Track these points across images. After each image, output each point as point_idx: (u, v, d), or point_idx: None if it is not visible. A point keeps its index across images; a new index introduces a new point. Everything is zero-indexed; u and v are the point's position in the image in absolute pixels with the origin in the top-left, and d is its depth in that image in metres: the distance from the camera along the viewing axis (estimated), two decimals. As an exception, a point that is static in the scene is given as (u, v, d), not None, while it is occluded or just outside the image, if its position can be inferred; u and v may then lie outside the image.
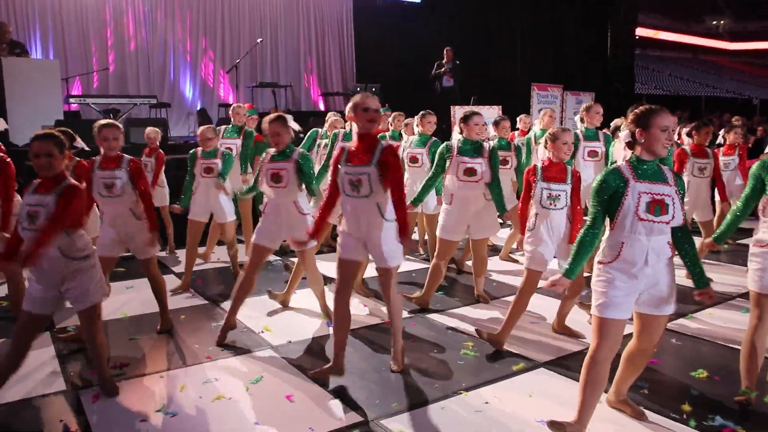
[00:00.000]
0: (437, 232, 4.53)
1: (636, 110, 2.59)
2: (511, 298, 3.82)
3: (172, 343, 3.96)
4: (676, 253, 2.64)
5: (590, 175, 5.10)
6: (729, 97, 24.46)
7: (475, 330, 3.96)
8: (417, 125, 5.33)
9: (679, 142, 6.47)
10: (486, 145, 4.42)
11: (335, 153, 3.33)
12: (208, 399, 3.14)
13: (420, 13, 13.35)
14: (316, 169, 5.09)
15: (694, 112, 16.78)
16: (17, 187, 4.29)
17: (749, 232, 3.16)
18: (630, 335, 2.76)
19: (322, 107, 13.07)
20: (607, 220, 2.60)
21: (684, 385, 3.27)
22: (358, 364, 3.57)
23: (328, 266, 4.92)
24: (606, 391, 2.92)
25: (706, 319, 4.33)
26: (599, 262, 2.59)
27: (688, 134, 5.60)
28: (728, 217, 3.13)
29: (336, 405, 3.07)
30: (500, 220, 4.58)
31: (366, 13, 13.42)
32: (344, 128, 5.58)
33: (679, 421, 2.86)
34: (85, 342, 3.23)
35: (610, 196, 2.53)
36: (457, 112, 9.83)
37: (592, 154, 5.30)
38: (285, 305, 4.59)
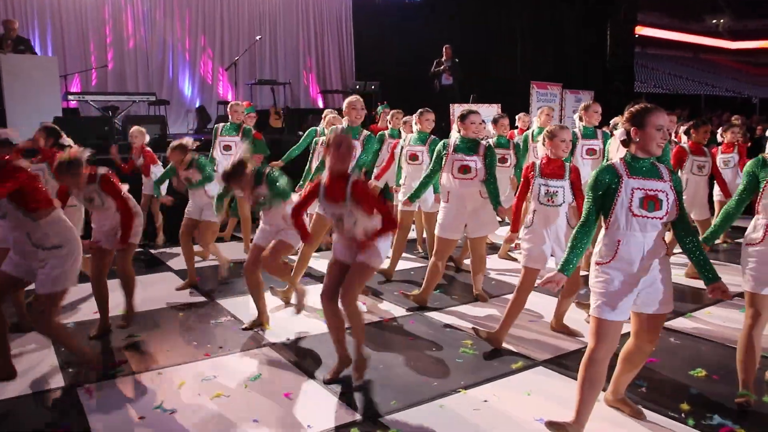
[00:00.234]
0: (435, 231, 4.53)
1: (631, 109, 2.59)
2: (510, 297, 3.82)
3: (170, 340, 3.96)
4: (674, 252, 2.64)
5: (589, 173, 5.10)
6: (728, 95, 24.47)
7: (473, 329, 3.96)
8: (415, 123, 5.32)
9: (676, 140, 6.47)
10: (483, 142, 4.42)
11: (311, 185, 3.35)
12: (207, 396, 3.14)
13: (420, 12, 13.32)
14: (314, 165, 5.07)
15: (694, 111, 16.77)
16: None
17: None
18: (628, 334, 2.76)
19: (321, 105, 13.04)
20: (603, 220, 2.61)
21: (682, 384, 3.27)
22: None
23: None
24: (604, 390, 2.92)
25: (704, 318, 4.33)
26: (597, 263, 2.59)
27: (686, 132, 5.61)
28: (720, 215, 3.14)
29: (334, 402, 3.07)
30: (498, 219, 4.57)
31: (365, 11, 13.40)
32: (341, 125, 5.56)
33: (678, 420, 2.87)
34: (36, 328, 3.34)
35: (604, 192, 2.54)
36: (456, 110, 9.82)
37: (591, 152, 5.30)
38: (287, 302, 4.59)
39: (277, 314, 4.45)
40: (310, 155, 5.39)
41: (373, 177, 6.30)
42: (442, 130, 9.05)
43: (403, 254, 5.60)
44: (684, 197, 5.32)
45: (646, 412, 2.90)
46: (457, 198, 4.37)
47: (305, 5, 13.14)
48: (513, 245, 6.21)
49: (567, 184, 3.71)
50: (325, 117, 6.13)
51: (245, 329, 4.10)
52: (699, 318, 4.33)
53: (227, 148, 6.00)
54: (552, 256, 3.77)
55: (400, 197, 5.47)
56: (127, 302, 4.12)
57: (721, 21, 28.99)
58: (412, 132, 5.62)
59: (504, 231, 6.34)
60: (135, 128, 6.46)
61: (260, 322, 4.15)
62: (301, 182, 5.12)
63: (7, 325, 3.34)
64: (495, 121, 5.82)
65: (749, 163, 3.00)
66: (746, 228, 3.05)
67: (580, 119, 5.44)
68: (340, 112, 5.84)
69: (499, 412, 2.97)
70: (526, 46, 13.24)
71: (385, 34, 13.36)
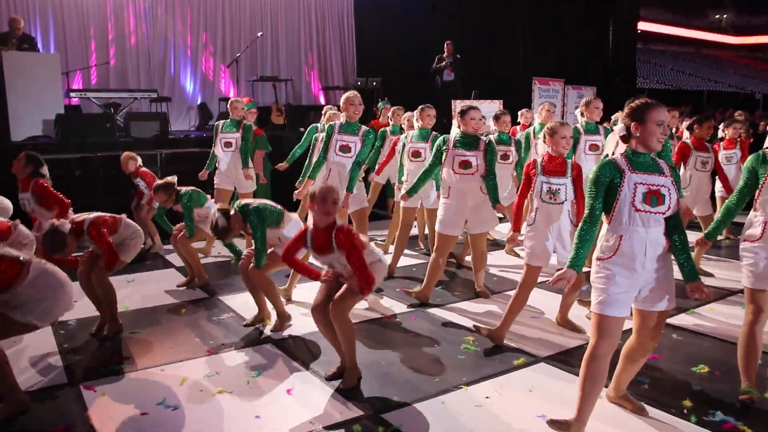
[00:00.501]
0: (435, 227, 4.53)
1: (632, 104, 2.58)
2: (512, 293, 3.82)
3: (172, 336, 3.96)
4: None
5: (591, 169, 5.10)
6: (731, 91, 24.38)
7: (474, 326, 3.96)
8: (417, 119, 5.31)
9: (679, 135, 6.45)
10: (483, 138, 4.41)
11: (297, 233, 3.31)
12: (209, 392, 3.14)
13: (421, 8, 13.28)
14: (314, 160, 5.05)
15: (697, 107, 16.73)
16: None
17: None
18: (629, 330, 2.76)
19: (322, 101, 13.02)
20: (605, 216, 2.60)
21: (685, 380, 3.27)
22: (359, 358, 3.56)
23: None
24: (606, 387, 2.92)
25: (706, 315, 4.32)
26: (598, 259, 2.58)
27: (689, 128, 5.59)
28: (721, 211, 3.13)
29: (336, 398, 3.08)
30: (500, 215, 4.56)
31: (367, 7, 13.36)
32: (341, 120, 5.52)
33: (680, 417, 2.86)
34: None
35: (606, 187, 2.54)
36: (458, 106, 9.79)
37: (593, 147, 5.29)
38: (288, 299, 4.59)
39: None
40: (310, 150, 5.39)
41: (374, 172, 6.30)
42: (443, 126, 9.03)
43: (405, 251, 5.59)
44: (687, 193, 5.34)
45: (648, 408, 2.90)
46: (458, 193, 4.37)
47: (307, 2, 13.11)
48: (517, 242, 6.22)
49: (569, 181, 3.69)
50: (325, 113, 6.12)
51: (246, 325, 4.11)
52: (701, 314, 4.33)
53: (228, 144, 5.98)
54: (554, 253, 3.76)
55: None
56: (111, 312, 4.00)
57: (724, 16, 28.87)
58: (412, 128, 5.61)
59: (505, 228, 6.36)
60: (125, 155, 6.23)
61: (261, 318, 4.15)
62: (301, 178, 5.11)
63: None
64: (497, 118, 5.81)
65: (749, 158, 2.99)
66: None
67: (582, 115, 5.43)
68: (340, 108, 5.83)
69: (500, 408, 2.97)
70: (528, 44, 13.20)
71: (387, 30, 13.33)
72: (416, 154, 5.22)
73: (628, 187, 2.48)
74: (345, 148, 4.74)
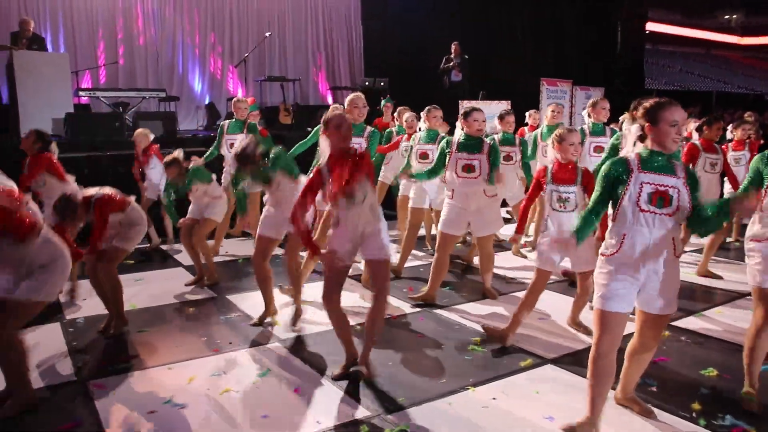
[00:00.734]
0: (438, 225, 4.53)
1: (645, 104, 2.56)
2: (519, 294, 3.81)
3: (180, 335, 3.98)
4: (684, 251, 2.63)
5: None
6: (741, 92, 24.23)
7: (483, 326, 3.95)
8: (423, 120, 5.31)
9: (687, 137, 6.41)
10: (487, 140, 4.39)
11: (311, 177, 3.28)
12: (216, 391, 3.15)
13: (429, 8, 13.28)
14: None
15: (706, 108, 16.62)
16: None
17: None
18: (633, 333, 2.75)
19: (330, 101, 13.05)
20: (611, 213, 2.59)
21: (693, 383, 3.25)
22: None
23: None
24: (613, 389, 2.91)
25: (715, 317, 4.30)
26: (602, 254, 2.59)
27: (698, 129, 5.56)
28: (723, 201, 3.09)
29: (343, 399, 3.08)
30: (507, 216, 4.56)
31: (374, 7, 13.38)
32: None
33: (689, 420, 2.85)
34: None
35: (613, 183, 2.53)
36: (466, 106, 9.78)
37: (598, 149, 5.28)
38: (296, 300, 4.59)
39: (286, 310, 4.46)
40: (318, 151, 5.38)
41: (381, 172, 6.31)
42: (451, 125, 9.01)
43: (413, 251, 5.60)
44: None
45: (656, 411, 2.88)
46: (461, 196, 4.36)
47: (314, 2, 13.14)
48: (523, 243, 6.21)
49: (579, 188, 3.68)
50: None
51: (254, 325, 4.12)
52: (710, 317, 4.30)
53: (234, 146, 5.99)
54: (566, 258, 3.76)
55: (411, 194, 5.47)
56: (117, 309, 4.01)
57: (734, 17, 28.67)
58: (411, 128, 5.61)
59: (511, 229, 6.31)
60: (139, 131, 6.40)
61: (266, 315, 4.14)
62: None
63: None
64: (501, 118, 5.79)
65: (755, 158, 2.96)
66: None
67: (589, 116, 5.41)
68: None
69: (507, 410, 2.96)
70: (535, 44, 13.16)
71: (394, 30, 13.33)
72: (424, 155, 5.22)
73: (633, 185, 2.47)
74: None
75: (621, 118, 5.83)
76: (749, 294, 4.70)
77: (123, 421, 2.87)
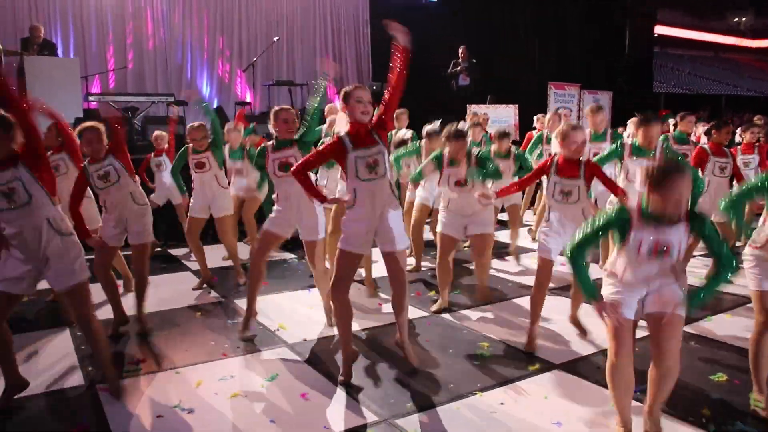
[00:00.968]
0: (437, 228, 4.48)
1: (651, 171, 2.39)
2: (523, 300, 3.80)
3: (188, 339, 3.99)
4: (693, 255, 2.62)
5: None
6: (750, 95, 24.06)
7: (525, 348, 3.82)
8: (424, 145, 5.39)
9: (696, 140, 6.38)
10: (473, 150, 4.28)
11: (331, 140, 3.30)
12: (224, 396, 3.16)
13: (438, 12, 13.30)
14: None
15: (714, 111, 16.52)
16: None
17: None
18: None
19: (338, 105, 13.09)
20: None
21: (703, 389, 3.22)
22: (373, 363, 3.57)
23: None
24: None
25: (724, 322, 4.26)
26: (605, 270, 2.65)
27: (707, 133, 5.52)
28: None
29: (350, 404, 3.08)
30: (502, 217, 4.54)
31: (383, 12, 13.39)
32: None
33: (699, 426, 2.82)
34: (80, 330, 3.17)
35: (612, 229, 2.57)
36: (474, 110, 9.78)
37: (595, 155, 5.28)
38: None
39: (293, 315, 4.47)
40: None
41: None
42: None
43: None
44: (704, 199, 5.27)
45: (665, 417, 2.85)
46: (456, 206, 4.33)
47: (322, 7, 13.19)
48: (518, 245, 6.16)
49: (582, 182, 3.63)
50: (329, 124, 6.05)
51: (242, 332, 4.01)
52: (719, 322, 4.26)
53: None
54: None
55: (418, 192, 5.49)
56: (139, 304, 4.11)
57: (743, 19, 28.50)
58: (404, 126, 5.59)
59: (505, 235, 6.31)
60: (159, 133, 6.55)
61: (249, 316, 4.05)
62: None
63: (10, 340, 3.09)
64: (500, 137, 5.75)
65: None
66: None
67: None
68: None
69: (515, 415, 2.95)
70: (539, 46, 13.13)
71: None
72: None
73: (633, 238, 2.48)
74: None
75: (630, 123, 5.83)
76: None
77: (131, 426, 2.88)
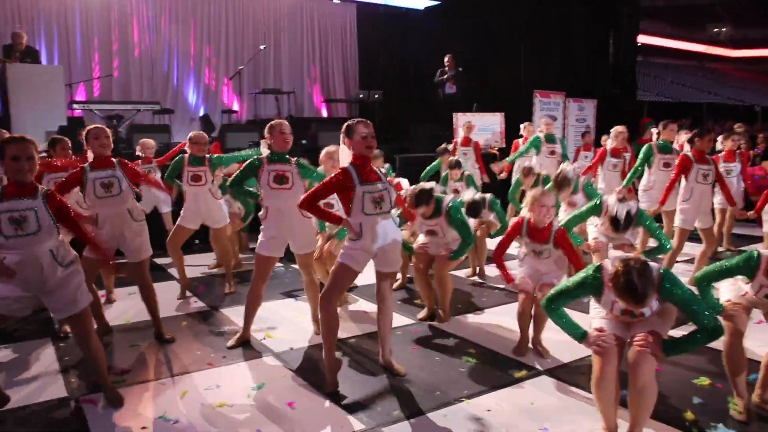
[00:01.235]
0: (414, 245, 4.54)
1: (617, 274, 2.44)
2: (513, 306, 3.82)
3: (173, 349, 3.96)
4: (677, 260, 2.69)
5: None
6: (731, 104, 24.45)
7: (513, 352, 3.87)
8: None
9: (678, 148, 6.48)
10: (445, 202, 4.27)
11: (336, 174, 3.30)
12: (210, 405, 3.14)
13: (423, 21, 13.39)
14: None
15: (697, 119, 16.77)
16: None
17: (753, 239, 3.15)
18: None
19: (324, 114, 13.11)
20: None
21: (686, 393, 3.25)
22: (360, 371, 3.57)
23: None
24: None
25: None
26: (592, 305, 2.79)
27: (690, 141, 5.62)
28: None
29: (337, 412, 3.07)
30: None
31: (369, 21, 13.48)
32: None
33: (682, 429, 2.85)
34: (80, 348, 3.15)
35: (587, 291, 2.70)
36: (460, 119, 9.84)
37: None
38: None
39: (280, 323, 4.45)
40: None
41: None
42: (445, 137, 9.07)
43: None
44: (688, 205, 5.34)
45: (649, 421, 2.88)
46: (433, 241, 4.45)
47: (309, 15, 13.22)
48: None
49: (551, 246, 3.72)
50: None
51: (231, 347, 3.96)
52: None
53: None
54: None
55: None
56: (154, 316, 4.11)
57: (723, 30, 29.03)
58: None
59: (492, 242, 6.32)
60: (147, 140, 6.42)
61: (242, 338, 4.02)
62: None
63: None
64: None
65: None
66: (748, 235, 3.06)
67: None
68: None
69: (502, 422, 2.96)
70: (524, 54, 13.22)
71: (389, 43, 13.42)
72: None
73: (605, 300, 2.64)
74: None
75: (654, 130, 6.04)
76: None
77: (115, 436, 2.85)
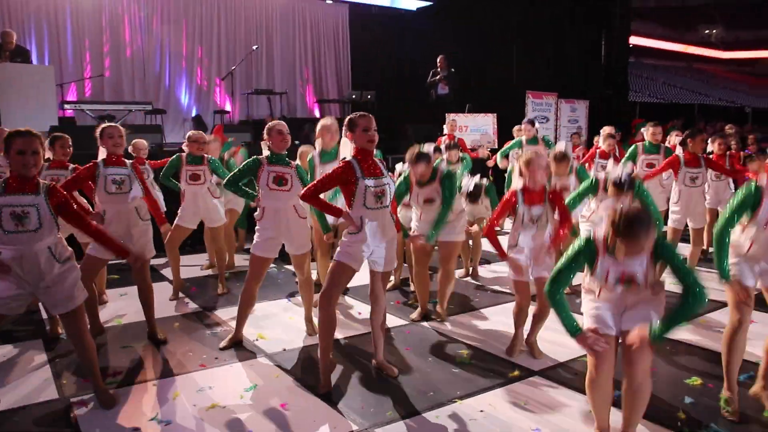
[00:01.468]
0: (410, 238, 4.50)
1: (616, 217, 2.39)
2: (506, 306, 3.83)
3: (165, 350, 3.94)
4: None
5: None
6: (722, 105, 24.62)
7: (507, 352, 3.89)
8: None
9: (670, 148, 6.51)
10: (441, 167, 4.31)
11: (339, 166, 3.31)
12: (202, 407, 3.12)
13: (415, 21, 13.40)
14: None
15: (688, 121, 16.87)
16: None
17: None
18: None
19: (317, 114, 13.09)
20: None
21: (678, 392, 3.27)
22: (353, 372, 3.57)
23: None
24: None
25: (699, 326, 4.34)
26: (585, 287, 2.72)
27: (682, 143, 5.64)
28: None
29: (330, 413, 3.06)
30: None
31: (361, 21, 13.48)
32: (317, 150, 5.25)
33: (674, 429, 2.87)
34: (73, 345, 3.15)
35: (582, 260, 2.63)
36: (453, 119, 9.86)
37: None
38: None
39: (272, 324, 4.44)
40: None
41: None
42: (434, 138, 9.07)
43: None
44: (677, 207, 5.37)
45: (641, 420, 2.89)
46: (428, 216, 4.35)
47: (302, 15, 13.21)
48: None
49: (548, 206, 3.71)
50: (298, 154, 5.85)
51: (223, 348, 3.95)
52: (694, 326, 4.34)
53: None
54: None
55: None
56: (149, 316, 4.10)
57: (714, 31, 29.24)
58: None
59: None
60: (140, 140, 6.32)
61: (235, 339, 4.02)
62: None
63: None
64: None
65: None
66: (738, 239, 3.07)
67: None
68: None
69: (495, 422, 2.96)
70: (520, 57, 13.27)
71: (382, 44, 13.42)
72: None
73: (600, 269, 2.58)
74: None
75: (671, 136, 6.10)
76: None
77: (107, 439, 2.83)
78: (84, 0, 10.75)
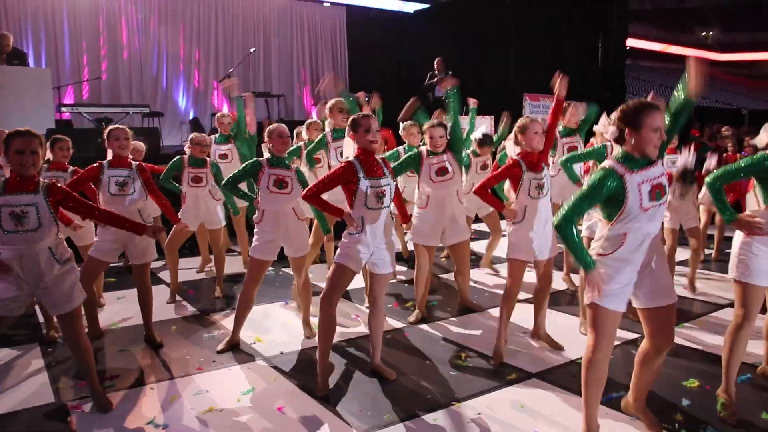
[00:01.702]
0: (413, 239, 4.48)
1: (624, 108, 2.50)
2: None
3: (163, 354, 3.93)
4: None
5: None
6: (719, 107, 24.71)
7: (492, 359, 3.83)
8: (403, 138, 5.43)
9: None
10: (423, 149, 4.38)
11: (339, 166, 3.31)
12: (200, 410, 3.11)
13: (413, 24, 13.41)
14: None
15: (684, 123, 16.90)
16: None
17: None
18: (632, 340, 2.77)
19: (314, 116, 13.07)
20: (603, 220, 2.59)
21: (675, 394, 3.27)
22: (351, 375, 3.56)
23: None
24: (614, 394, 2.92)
25: (697, 328, 4.34)
26: (598, 255, 2.54)
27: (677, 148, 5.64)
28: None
29: (328, 416, 3.06)
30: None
31: (359, 24, 13.48)
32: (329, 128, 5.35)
33: (671, 430, 2.87)
34: (69, 348, 3.14)
35: (605, 194, 2.45)
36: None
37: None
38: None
39: (269, 328, 4.43)
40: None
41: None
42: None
43: (397, 267, 5.61)
44: (672, 207, 5.37)
45: (638, 423, 2.90)
46: (436, 201, 4.33)
47: (299, 18, 13.22)
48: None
49: (548, 173, 3.73)
50: (307, 127, 6.05)
51: (220, 352, 3.94)
52: (692, 328, 4.35)
53: (223, 156, 6.03)
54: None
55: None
56: (147, 320, 4.09)
57: (710, 33, 29.34)
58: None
59: (481, 246, 6.33)
60: (137, 143, 6.34)
61: (232, 341, 4.01)
62: None
63: None
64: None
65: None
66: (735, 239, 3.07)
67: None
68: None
69: (493, 425, 2.96)
70: (517, 59, 13.30)
71: (379, 46, 13.43)
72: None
73: (632, 191, 2.42)
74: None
75: (595, 128, 5.99)
76: (729, 305, 4.79)
77: (103, 443, 2.82)
78: (81, 2, 10.74)
